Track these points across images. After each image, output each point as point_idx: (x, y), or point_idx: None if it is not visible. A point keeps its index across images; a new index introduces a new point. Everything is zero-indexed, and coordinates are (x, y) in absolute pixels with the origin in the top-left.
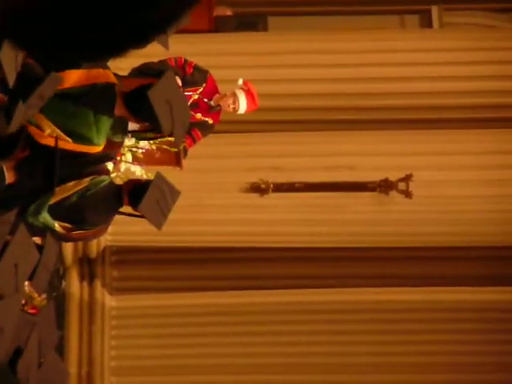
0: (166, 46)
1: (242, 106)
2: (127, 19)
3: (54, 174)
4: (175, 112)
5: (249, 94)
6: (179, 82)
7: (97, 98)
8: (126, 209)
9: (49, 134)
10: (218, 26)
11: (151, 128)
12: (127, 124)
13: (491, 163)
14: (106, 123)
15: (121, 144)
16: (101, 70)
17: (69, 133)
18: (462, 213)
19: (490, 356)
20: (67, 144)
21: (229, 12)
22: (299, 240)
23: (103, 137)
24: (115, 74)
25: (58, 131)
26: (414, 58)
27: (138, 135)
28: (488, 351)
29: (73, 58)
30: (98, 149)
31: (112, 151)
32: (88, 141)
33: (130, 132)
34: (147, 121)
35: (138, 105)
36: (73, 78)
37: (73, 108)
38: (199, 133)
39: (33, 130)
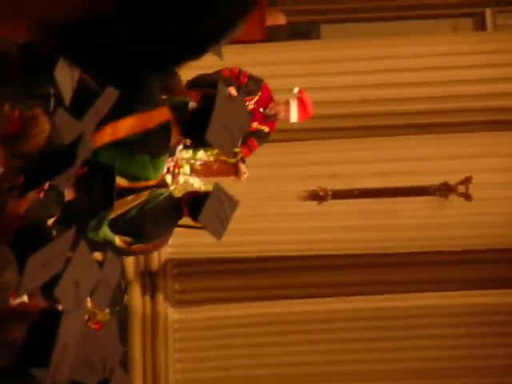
0: (220, 56)
1: (294, 114)
2: (187, 29)
3: (113, 191)
4: (234, 132)
5: (301, 102)
6: (234, 92)
7: (152, 142)
8: (186, 221)
9: None
10: (271, 35)
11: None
12: None
13: None
14: (162, 160)
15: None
16: (154, 112)
17: (126, 176)
18: None
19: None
20: (123, 183)
21: (282, 19)
22: (361, 246)
23: (161, 171)
24: (168, 85)
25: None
26: (469, 60)
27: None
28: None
29: (130, 70)
30: (155, 182)
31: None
32: (145, 179)
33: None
34: (207, 146)
35: (197, 136)
36: (125, 126)
37: (128, 156)
38: (255, 142)
39: None
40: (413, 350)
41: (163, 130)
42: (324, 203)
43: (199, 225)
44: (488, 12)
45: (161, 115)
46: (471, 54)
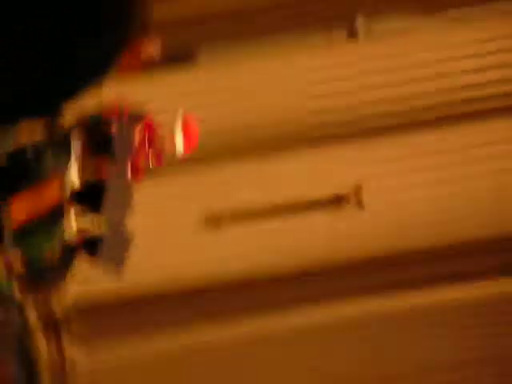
0: (99, 99)
1: (179, 146)
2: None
3: (3, 237)
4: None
5: (186, 133)
6: (115, 128)
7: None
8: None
9: None
10: (147, 64)
11: None
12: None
13: (437, 163)
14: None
15: None
16: (44, 188)
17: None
18: (419, 215)
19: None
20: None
21: (157, 46)
22: (261, 268)
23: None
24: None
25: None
26: (344, 72)
27: None
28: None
29: (12, 112)
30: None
31: None
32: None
33: None
34: None
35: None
36: (18, 212)
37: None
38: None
39: None
40: None
41: (55, 215)
42: (220, 229)
43: (97, 264)
44: (359, 20)
45: (52, 192)
46: (346, 66)
